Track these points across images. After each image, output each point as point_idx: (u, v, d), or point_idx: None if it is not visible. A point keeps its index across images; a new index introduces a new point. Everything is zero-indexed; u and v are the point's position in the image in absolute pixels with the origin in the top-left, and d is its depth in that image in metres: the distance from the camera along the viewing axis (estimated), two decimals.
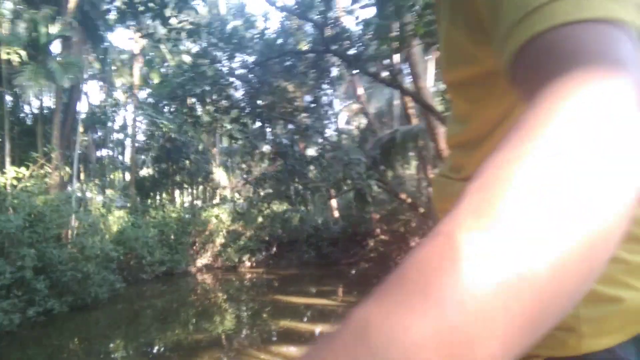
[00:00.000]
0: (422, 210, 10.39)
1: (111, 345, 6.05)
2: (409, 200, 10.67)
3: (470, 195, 0.24)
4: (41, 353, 5.62)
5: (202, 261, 14.97)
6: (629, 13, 0.31)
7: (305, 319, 7.01)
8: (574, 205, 0.23)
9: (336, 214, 19.59)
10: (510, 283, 0.21)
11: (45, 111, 14.25)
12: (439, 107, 6.77)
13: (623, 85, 0.26)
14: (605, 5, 0.30)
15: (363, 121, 19.59)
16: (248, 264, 14.68)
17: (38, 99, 14.15)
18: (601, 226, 0.23)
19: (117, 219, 12.89)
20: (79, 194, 12.40)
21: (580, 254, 0.22)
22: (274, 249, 15.99)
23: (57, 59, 11.80)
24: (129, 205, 15.76)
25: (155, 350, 5.66)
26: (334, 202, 18.95)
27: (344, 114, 22.31)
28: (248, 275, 12.80)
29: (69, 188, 12.11)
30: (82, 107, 16.95)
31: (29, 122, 14.99)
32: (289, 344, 5.44)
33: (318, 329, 6.26)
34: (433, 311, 0.20)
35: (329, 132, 12.36)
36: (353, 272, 11.06)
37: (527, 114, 0.26)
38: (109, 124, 20.42)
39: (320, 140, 11.36)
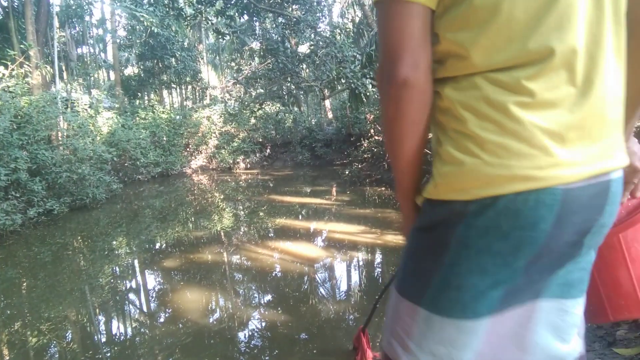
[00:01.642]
0: None
1: (114, 242, 6.30)
2: None
3: None
4: (46, 250, 5.86)
5: (196, 162, 15.08)
6: None
7: (300, 217, 7.27)
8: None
9: (330, 114, 19.37)
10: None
11: (15, 3, 13.14)
12: None
13: None
14: None
15: (358, 13, 18.41)
16: (243, 165, 14.84)
17: None
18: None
19: (106, 120, 12.66)
20: (64, 94, 11.98)
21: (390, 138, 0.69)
22: (268, 150, 16.06)
23: None
24: (117, 106, 15.38)
25: (157, 247, 5.91)
26: (327, 103, 18.61)
27: (338, 6, 20.89)
28: (243, 177, 13.02)
29: (53, 88, 11.67)
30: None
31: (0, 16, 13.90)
32: (285, 240, 5.70)
33: (313, 225, 6.52)
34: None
35: (322, 26, 11.62)
36: (347, 172, 11.25)
37: None
38: (87, 18, 19.02)
39: (312, 36, 10.72)
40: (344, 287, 4.12)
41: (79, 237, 6.62)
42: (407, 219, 0.78)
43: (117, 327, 3.56)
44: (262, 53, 14.11)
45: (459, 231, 0.67)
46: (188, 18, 12.32)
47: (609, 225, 0.74)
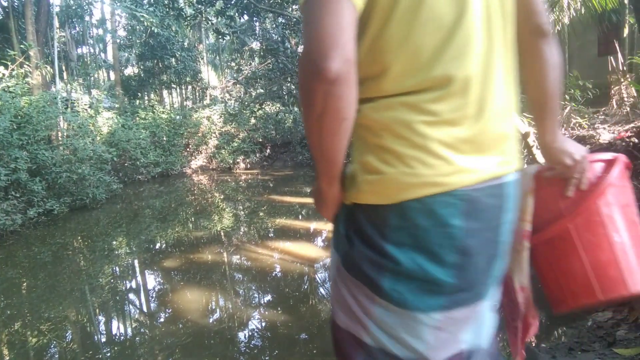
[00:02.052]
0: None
1: (114, 242, 6.30)
2: None
3: None
4: (46, 250, 5.86)
5: (196, 163, 15.07)
6: None
7: (300, 217, 7.27)
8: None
9: None
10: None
11: (15, 3, 13.14)
12: None
13: None
14: None
15: None
16: (243, 165, 14.82)
17: None
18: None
19: (106, 120, 12.65)
20: (64, 94, 11.98)
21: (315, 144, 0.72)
22: (268, 150, 16.05)
23: None
24: (117, 106, 15.37)
25: (157, 247, 5.91)
26: None
27: None
28: (243, 177, 13.01)
29: (53, 88, 11.66)
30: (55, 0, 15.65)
31: (0, 16, 13.90)
32: (285, 240, 5.69)
33: (312, 225, 6.51)
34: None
35: None
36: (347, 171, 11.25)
37: None
38: (87, 18, 19.02)
39: None
40: None
41: (79, 237, 6.62)
42: (333, 204, 0.85)
43: (117, 327, 3.56)
44: (262, 53, 14.11)
45: (385, 238, 0.76)
46: (188, 18, 12.32)
47: (513, 221, 0.86)
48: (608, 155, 1.02)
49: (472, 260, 0.77)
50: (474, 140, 0.75)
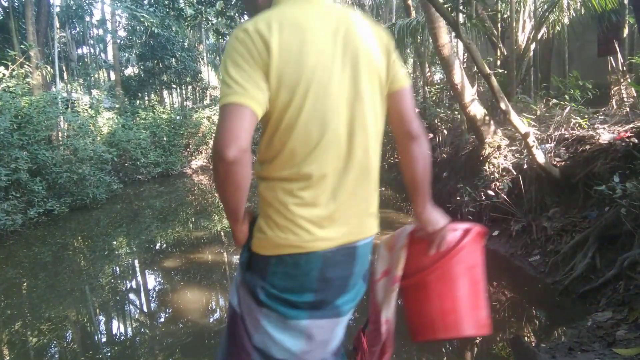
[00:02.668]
0: (417, 110, 10.21)
1: (114, 242, 6.31)
2: None
3: None
4: (47, 250, 5.87)
5: (197, 163, 15.07)
6: (242, 98, 0.94)
7: None
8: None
9: None
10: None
11: (15, 3, 13.14)
12: None
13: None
14: (228, 96, 0.94)
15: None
16: None
17: None
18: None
19: (106, 120, 12.66)
20: (65, 95, 11.99)
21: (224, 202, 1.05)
22: None
23: None
24: (117, 106, 15.36)
25: (157, 247, 5.92)
26: None
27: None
28: None
29: (53, 88, 11.67)
30: (55, 0, 15.67)
31: (0, 16, 13.90)
32: None
33: None
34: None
35: None
36: None
37: None
38: (87, 18, 19.03)
39: None
40: None
41: (80, 237, 6.63)
42: (241, 238, 1.15)
43: (117, 327, 3.57)
44: None
45: (268, 274, 1.09)
46: (188, 18, 12.32)
47: (362, 272, 1.20)
48: (466, 225, 1.29)
49: (323, 295, 1.10)
50: (330, 217, 1.06)
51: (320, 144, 1.03)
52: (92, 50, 21.39)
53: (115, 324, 3.61)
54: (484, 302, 1.32)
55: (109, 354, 3.04)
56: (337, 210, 1.07)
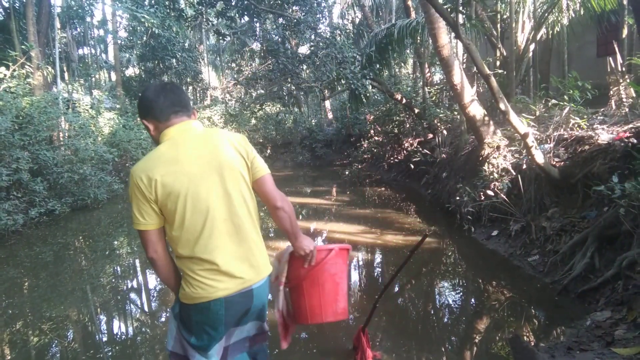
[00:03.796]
0: (416, 110, 10.25)
1: (115, 242, 6.32)
2: (404, 100, 10.47)
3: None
4: (48, 250, 5.88)
5: None
6: (144, 226, 1.56)
7: (301, 217, 7.28)
8: None
9: (330, 115, 19.38)
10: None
11: (16, 4, 13.16)
12: None
13: None
14: (136, 225, 1.57)
15: (358, 15, 18.42)
16: None
17: None
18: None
19: (107, 120, 12.67)
20: (66, 95, 12.00)
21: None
22: (268, 151, 16.07)
23: None
24: (118, 106, 15.38)
25: None
26: (327, 104, 18.61)
27: (338, 7, 20.91)
28: None
29: (54, 89, 11.68)
30: (56, 0, 15.70)
31: (1, 17, 13.91)
32: (285, 240, 5.69)
33: (313, 225, 6.53)
34: None
35: (322, 27, 11.63)
36: (347, 172, 11.26)
37: None
38: (88, 18, 19.05)
39: (312, 37, 10.73)
40: None
41: (81, 237, 6.64)
42: (175, 292, 1.68)
43: (118, 326, 3.58)
44: (262, 54, 14.14)
45: (189, 317, 1.60)
46: (189, 19, 12.33)
47: (259, 307, 1.68)
48: (332, 246, 1.93)
49: (227, 328, 1.63)
50: (226, 273, 1.55)
51: (204, 232, 1.53)
52: (93, 51, 21.42)
53: (116, 323, 3.63)
54: (344, 297, 1.99)
55: (110, 354, 3.05)
56: (228, 271, 1.55)
